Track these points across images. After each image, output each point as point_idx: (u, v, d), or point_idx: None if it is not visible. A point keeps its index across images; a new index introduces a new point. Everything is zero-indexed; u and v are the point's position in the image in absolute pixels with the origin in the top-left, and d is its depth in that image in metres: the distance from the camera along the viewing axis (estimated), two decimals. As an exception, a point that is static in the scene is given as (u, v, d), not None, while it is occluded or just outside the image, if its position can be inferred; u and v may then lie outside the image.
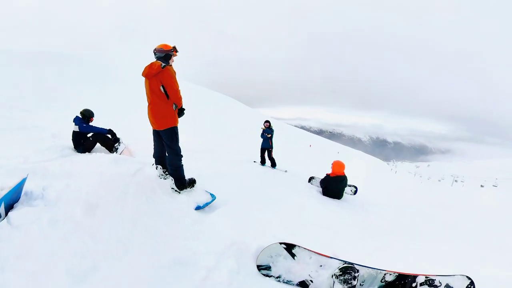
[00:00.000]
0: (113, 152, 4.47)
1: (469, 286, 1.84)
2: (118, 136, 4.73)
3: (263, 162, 7.38)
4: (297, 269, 1.82)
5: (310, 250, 1.82)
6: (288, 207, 3.63)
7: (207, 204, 2.82)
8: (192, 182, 3.03)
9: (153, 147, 3.10)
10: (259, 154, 7.42)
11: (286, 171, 7.03)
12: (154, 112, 2.84)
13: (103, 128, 4.56)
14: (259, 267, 1.83)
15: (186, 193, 2.89)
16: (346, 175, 5.18)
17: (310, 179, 6.06)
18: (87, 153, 4.18)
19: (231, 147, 9.13)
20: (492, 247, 3.90)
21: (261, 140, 7.41)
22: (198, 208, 2.72)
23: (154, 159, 3.15)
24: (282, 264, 1.83)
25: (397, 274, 1.82)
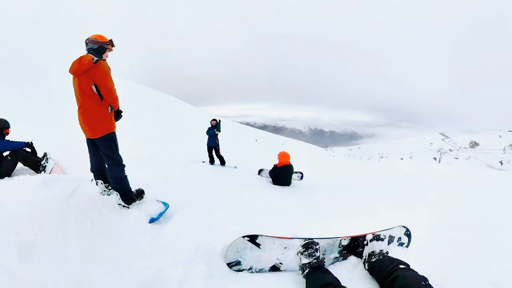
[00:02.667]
0: (40, 172, 3.73)
1: (406, 232, 2.27)
2: (44, 150, 3.96)
3: (212, 161, 7.35)
4: (265, 256, 1.89)
5: (273, 236, 1.92)
6: (244, 201, 3.72)
7: (161, 214, 2.62)
8: (140, 194, 2.74)
9: (89, 159, 2.70)
10: (207, 154, 7.37)
11: (235, 167, 7.17)
12: (86, 117, 2.42)
13: (19, 142, 3.69)
14: (230, 265, 1.85)
15: (136, 206, 2.63)
16: (291, 163, 5.59)
17: (260, 171, 6.34)
18: (6, 178, 3.42)
19: (177, 149, 8.70)
20: (416, 201, 4.77)
21: (210, 139, 7.35)
22: (152, 220, 2.52)
23: (92, 174, 2.75)
24: (250, 255, 1.88)
25: (350, 238, 2.08)
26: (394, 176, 8.85)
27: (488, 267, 2.02)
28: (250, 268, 1.86)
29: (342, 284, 1.53)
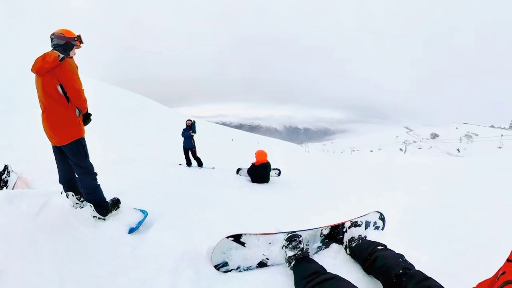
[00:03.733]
0: (1, 188, 3.23)
1: (380, 216, 2.45)
2: (4, 162, 3.46)
3: (189, 163, 7.19)
4: (251, 254, 1.89)
5: (256, 234, 1.93)
6: (224, 201, 3.69)
7: (140, 223, 2.45)
8: (116, 203, 2.55)
9: (57, 169, 2.44)
10: (183, 156, 7.20)
11: (213, 167, 7.06)
12: (51, 122, 2.19)
13: None
14: (217, 267, 1.83)
15: (113, 217, 2.44)
16: (269, 161, 5.66)
17: (238, 170, 6.29)
18: None
19: (152, 153, 8.38)
20: (387, 187, 5.13)
21: (185, 141, 7.18)
22: (131, 230, 2.34)
23: (61, 186, 2.48)
24: (236, 255, 1.87)
25: (330, 227, 2.18)
26: (365, 166, 9.39)
27: (457, 240, 2.31)
28: (238, 268, 1.86)
29: (328, 271, 1.59)
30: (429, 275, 1.42)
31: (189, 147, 7.14)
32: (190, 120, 7.43)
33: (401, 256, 1.65)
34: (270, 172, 5.74)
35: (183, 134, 7.18)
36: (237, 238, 1.89)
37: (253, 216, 3.02)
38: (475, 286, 1.17)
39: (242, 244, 1.89)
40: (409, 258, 1.65)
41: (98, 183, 2.44)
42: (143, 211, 2.63)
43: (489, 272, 1.13)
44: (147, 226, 2.45)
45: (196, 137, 7.43)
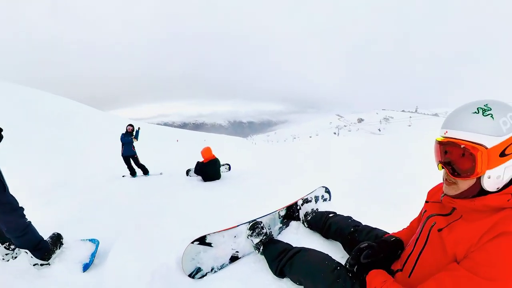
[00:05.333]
0: None
1: (326, 190, 2.74)
2: None
3: (133, 173, 6.51)
4: (221, 252, 1.88)
5: (220, 231, 1.93)
6: (180, 206, 3.50)
7: (93, 255, 2.07)
8: (57, 240, 2.07)
9: None
10: (126, 166, 6.47)
11: (161, 173, 6.61)
12: None
13: None
14: (191, 275, 1.76)
15: (58, 258, 1.99)
16: (216, 157, 5.60)
17: (188, 172, 6.06)
18: None
19: (89, 168, 7.18)
20: (327, 165, 5.71)
21: (125, 148, 6.45)
22: (86, 267, 1.98)
23: None
24: (207, 257, 1.83)
25: (285, 208, 2.35)
26: (306, 150, 10.28)
27: (390, 195, 2.82)
28: (212, 269, 1.83)
29: (294, 246, 1.73)
30: (374, 226, 1.70)
31: (129, 154, 6.45)
32: (132, 126, 6.67)
33: (349, 217, 1.93)
34: (221, 168, 5.70)
35: (122, 140, 6.42)
36: (202, 240, 1.86)
37: (212, 214, 2.98)
38: (408, 225, 1.46)
39: (209, 245, 1.87)
40: (356, 217, 1.94)
41: (28, 220, 1.90)
42: (93, 241, 2.23)
43: (416, 215, 1.43)
44: (103, 256, 2.10)
45: (137, 142, 6.74)
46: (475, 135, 0.87)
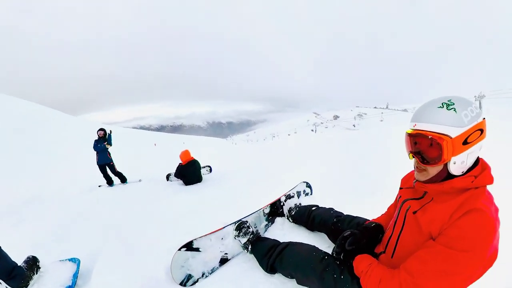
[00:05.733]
0: None
1: (307, 185, 2.84)
2: None
3: (109, 182, 6.11)
4: (210, 256, 1.85)
5: (206, 234, 1.90)
6: (163, 213, 3.37)
7: (76, 276, 1.94)
8: (33, 264, 1.90)
9: None
10: (102, 175, 6.07)
11: (140, 180, 6.34)
12: None
13: None
14: (182, 283, 1.71)
15: (37, 284, 1.83)
16: (195, 159, 5.52)
17: (168, 176, 5.91)
18: None
19: (61, 179, 6.64)
20: (307, 160, 5.88)
21: (99, 155, 6.03)
22: None
23: None
24: (196, 263, 1.79)
25: (269, 205, 2.40)
26: (286, 148, 10.50)
27: (366, 186, 2.99)
28: (203, 274, 1.80)
29: (281, 241, 1.77)
30: (355, 215, 1.80)
31: (105, 162, 6.03)
32: (103, 130, 6.21)
33: (331, 209, 2.02)
34: (202, 170, 5.64)
35: (95, 148, 5.99)
36: (189, 246, 1.81)
37: (196, 218, 2.91)
38: (385, 211, 1.57)
39: (197, 250, 1.83)
40: (337, 208, 2.04)
41: None
42: (73, 260, 2.09)
43: (392, 201, 1.54)
44: (86, 276, 1.96)
45: (112, 148, 6.32)
46: (441, 127, 0.98)
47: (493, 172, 1.03)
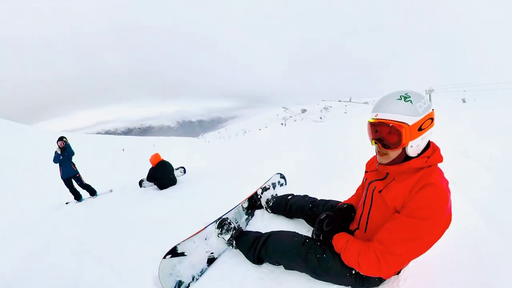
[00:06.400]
0: None
1: (281, 176, 2.98)
2: None
3: (77, 197, 5.50)
4: (196, 258, 1.83)
5: (189, 237, 1.88)
6: (140, 223, 3.19)
7: None
8: None
9: None
10: (68, 189, 5.43)
11: (111, 190, 5.86)
12: None
13: None
14: None
15: None
16: (165, 159, 5.38)
17: (141, 183, 5.55)
18: None
19: (21, 201, 5.84)
20: (279, 152, 6.07)
21: (63, 168, 5.39)
22: None
23: None
24: (184, 268, 1.76)
25: (247, 199, 2.47)
26: (258, 142, 10.69)
27: (335, 171, 3.21)
28: (193, 278, 1.77)
29: (263, 232, 1.84)
30: (328, 199, 1.96)
31: (70, 175, 5.43)
32: (62, 139, 5.54)
33: (306, 195, 2.17)
34: (175, 172, 5.50)
35: (55, 160, 5.37)
36: (174, 252, 1.77)
37: (176, 222, 2.84)
38: (354, 192, 1.75)
39: (182, 254, 1.79)
40: (312, 194, 2.18)
41: None
42: None
43: (359, 183, 1.70)
44: None
45: (76, 158, 5.67)
46: (400, 116, 1.14)
47: (442, 153, 1.23)
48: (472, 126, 4.81)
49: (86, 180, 5.71)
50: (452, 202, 1.15)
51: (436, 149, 1.23)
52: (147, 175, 5.20)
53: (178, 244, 1.81)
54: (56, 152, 5.41)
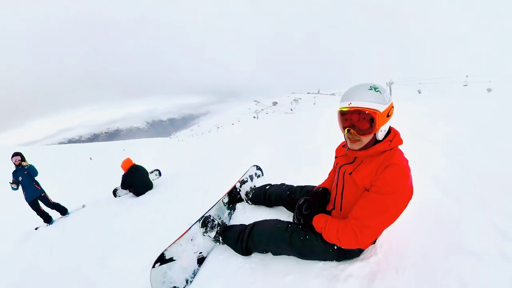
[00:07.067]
0: None
1: (257, 168, 3.07)
2: None
3: (47, 219, 4.92)
4: (186, 260, 1.82)
5: (175, 241, 1.87)
6: (121, 235, 3.05)
7: None
8: None
9: None
10: (35, 213, 4.86)
11: (84, 205, 5.43)
12: None
13: None
14: None
15: None
16: (137, 163, 5.22)
17: (115, 192, 5.30)
18: None
19: None
20: (254, 144, 6.19)
21: (26, 190, 4.76)
22: None
23: None
24: (175, 273, 1.75)
25: (226, 194, 2.52)
26: (232, 136, 10.73)
27: (307, 159, 3.35)
28: (187, 281, 1.77)
29: (247, 224, 1.90)
30: (304, 185, 2.10)
31: (35, 196, 4.83)
32: (18, 154, 4.87)
33: (283, 184, 2.28)
34: (150, 175, 5.34)
35: (15, 188, 4.74)
36: (162, 259, 1.75)
37: (159, 229, 2.78)
38: (327, 177, 1.89)
39: (171, 260, 1.77)
40: (289, 179, 2.33)
41: None
42: None
43: (330, 168, 1.84)
44: None
45: (38, 176, 4.99)
46: (373, 104, 1.27)
47: (402, 136, 1.40)
48: (426, 113, 5.28)
49: (53, 198, 5.17)
50: (413, 178, 1.32)
51: (397, 133, 1.39)
52: (121, 182, 4.98)
53: (165, 250, 1.78)
54: (14, 171, 4.75)
